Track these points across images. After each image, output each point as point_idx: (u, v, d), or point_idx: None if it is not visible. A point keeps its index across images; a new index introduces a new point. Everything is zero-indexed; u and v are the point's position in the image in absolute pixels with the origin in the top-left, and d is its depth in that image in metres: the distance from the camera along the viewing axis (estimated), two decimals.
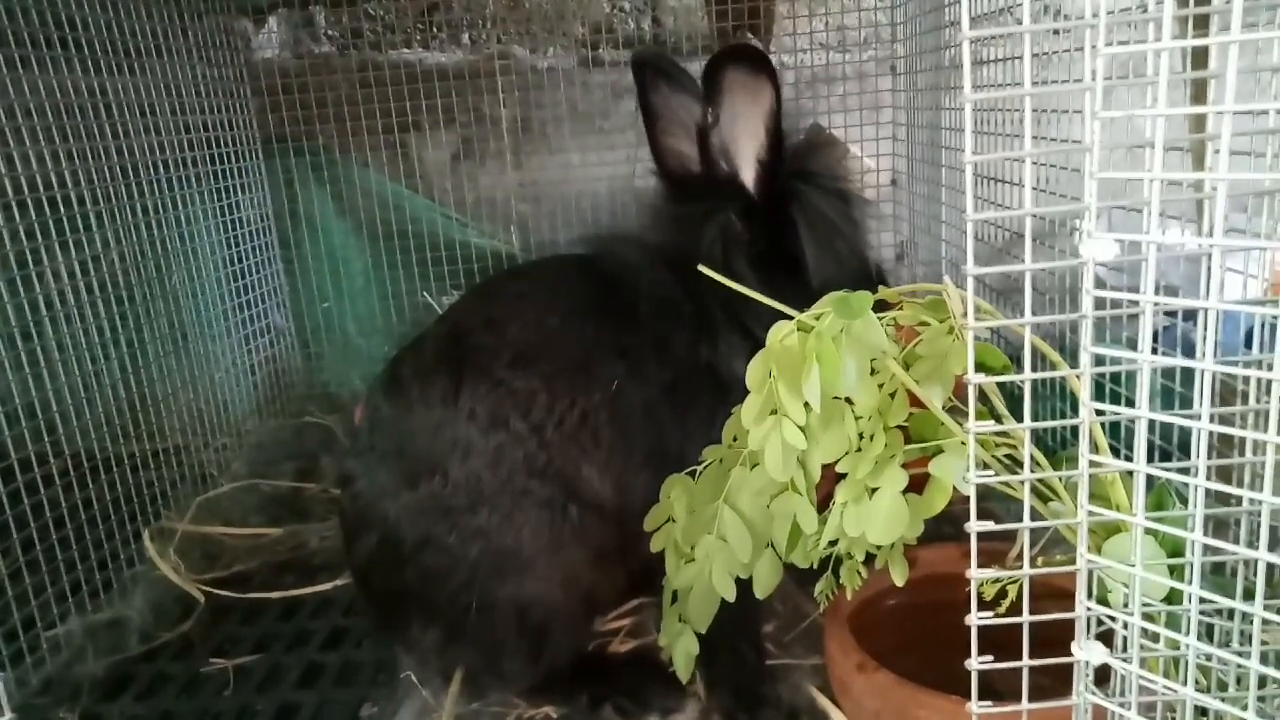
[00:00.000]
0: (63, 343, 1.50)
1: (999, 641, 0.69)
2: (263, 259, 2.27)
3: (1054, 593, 0.73)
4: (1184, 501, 0.72)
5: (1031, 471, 0.66)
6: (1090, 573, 0.67)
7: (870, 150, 2.34)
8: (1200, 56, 0.82)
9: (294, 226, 2.39)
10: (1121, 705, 0.67)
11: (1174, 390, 1.07)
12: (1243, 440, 0.73)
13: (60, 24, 1.52)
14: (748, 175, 1.15)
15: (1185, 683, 0.63)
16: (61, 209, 1.49)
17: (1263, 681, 0.61)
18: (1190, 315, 1.14)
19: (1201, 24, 0.85)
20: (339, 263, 2.42)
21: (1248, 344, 0.85)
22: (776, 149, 1.13)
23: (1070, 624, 0.68)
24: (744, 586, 0.97)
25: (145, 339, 1.76)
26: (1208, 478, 0.59)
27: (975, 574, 0.67)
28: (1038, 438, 1.31)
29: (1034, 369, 0.63)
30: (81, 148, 1.57)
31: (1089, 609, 0.67)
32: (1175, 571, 0.65)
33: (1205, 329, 0.56)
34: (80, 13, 1.57)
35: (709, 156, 1.15)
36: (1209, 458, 0.59)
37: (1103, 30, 0.55)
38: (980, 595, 0.69)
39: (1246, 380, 0.71)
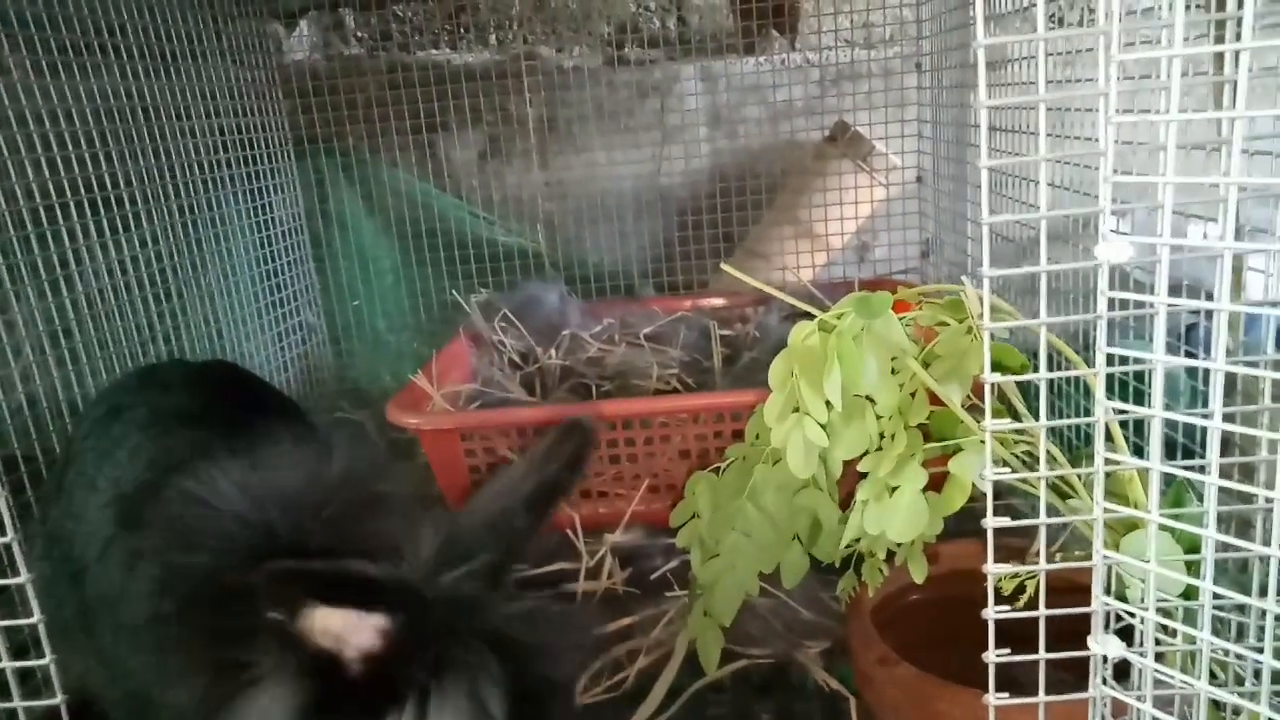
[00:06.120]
0: (103, 340, 1.55)
1: (1022, 636, 0.70)
2: (295, 258, 2.31)
3: (1077, 589, 0.74)
4: (1202, 499, 0.73)
5: (1049, 469, 0.67)
6: (1109, 569, 0.68)
7: (895, 147, 2.34)
8: (1223, 61, 0.82)
9: (325, 226, 2.43)
10: (1138, 699, 0.68)
11: (1198, 389, 1.07)
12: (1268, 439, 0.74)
13: (100, 30, 1.57)
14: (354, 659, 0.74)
15: (1200, 677, 0.64)
16: (101, 211, 1.54)
17: (1276, 677, 0.62)
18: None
19: (1224, 28, 0.85)
20: (369, 261, 2.46)
21: (1279, 343, 0.85)
22: (395, 662, 0.73)
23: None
24: None
25: (182, 337, 1.80)
26: (1230, 476, 0.60)
27: (992, 569, 0.68)
28: (1062, 437, 1.32)
29: (1057, 368, 0.65)
30: (121, 150, 1.61)
31: (1106, 604, 0.68)
32: (1194, 568, 0.65)
33: (1218, 329, 0.57)
34: (119, 18, 1.62)
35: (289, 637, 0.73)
36: (1232, 456, 0.60)
37: (1115, 36, 0.56)
38: (1000, 590, 0.70)
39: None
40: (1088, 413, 0.69)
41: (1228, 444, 0.63)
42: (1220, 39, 0.59)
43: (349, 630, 0.71)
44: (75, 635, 1.00)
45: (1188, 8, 0.54)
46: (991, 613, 0.68)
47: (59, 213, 1.43)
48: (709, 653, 1.09)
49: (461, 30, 2.56)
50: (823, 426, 0.82)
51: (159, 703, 0.88)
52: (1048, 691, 0.70)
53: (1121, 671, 0.71)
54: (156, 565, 0.88)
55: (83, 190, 1.48)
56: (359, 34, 2.58)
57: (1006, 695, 0.71)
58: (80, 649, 1.00)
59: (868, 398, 0.84)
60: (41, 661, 0.74)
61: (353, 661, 0.73)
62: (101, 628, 0.97)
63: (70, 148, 1.46)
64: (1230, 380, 0.64)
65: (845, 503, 0.93)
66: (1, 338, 1.30)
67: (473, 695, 0.72)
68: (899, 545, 0.96)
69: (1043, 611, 0.69)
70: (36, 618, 0.73)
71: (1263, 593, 0.63)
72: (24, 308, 1.35)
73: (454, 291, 2.36)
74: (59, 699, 0.74)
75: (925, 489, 0.84)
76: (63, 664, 0.76)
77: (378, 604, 0.69)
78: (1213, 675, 0.66)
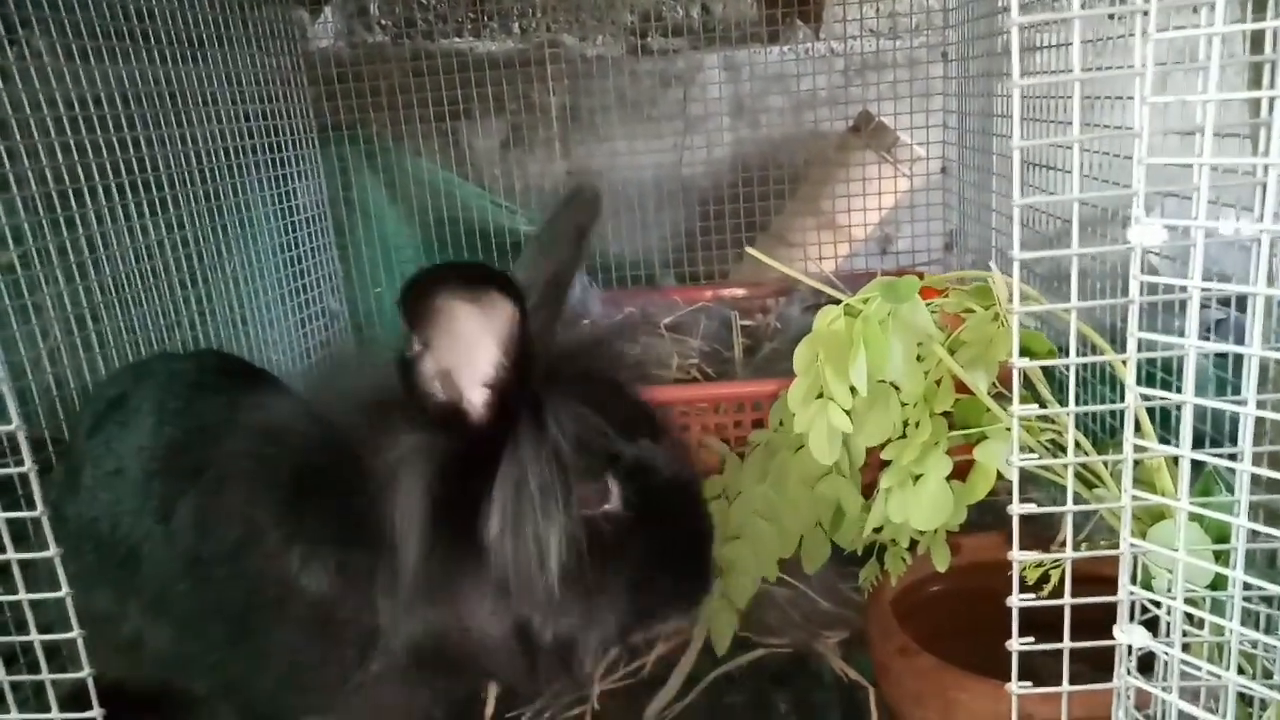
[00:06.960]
0: (129, 324, 1.56)
1: (1041, 628, 0.69)
2: (318, 245, 2.32)
3: (1098, 581, 0.74)
4: (1231, 490, 0.72)
5: (1076, 456, 0.66)
6: (1135, 558, 0.68)
7: (920, 137, 2.32)
8: (1260, 40, 0.80)
9: (348, 213, 2.44)
10: (1164, 689, 0.67)
11: (1227, 381, 1.06)
12: None
13: (129, 15, 1.58)
14: (475, 398, 0.85)
15: (1228, 668, 0.63)
16: (129, 195, 1.55)
17: None
18: (1245, 306, 1.12)
19: (1261, 8, 0.84)
20: (391, 248, 2.47)
21: None
22: (517, 369, 0.83)
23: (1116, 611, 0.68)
24: None
25: (205, 323, 1.81)
26: (1259, 464, 0.59)
27: (1017, 556, 0.67)
28: (1085, 430, 1.31)
29: (1082, 356, 0.64)
30: (147, 136, 1.62)
31: (1132, 593, 0.67)
32: (1221, 558, 0.65)
33: (1253, 315, 0.56)
34: (147, 4, 1.63)
35: (416, 387, 0.83)
36: (1262, 446, 0.59)
37: (1153, 15, 0.55)
38: (1023, 580, 0.70)
39: None
40: (1111, 404, 0.68)
41: (1257, 435, 0.62)
42: (1258, 18, 0.58)
43: (477, 335, 0.80)
44: (107, 625, 1.02)
45: None
46: (1016, 600, 0.68)
47: (87, 197, 1.44)
48: (721, 632, 1.08)
49: (485, 18, 2.56)
50: (847, 412, 0.81)
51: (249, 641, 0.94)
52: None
53: (1142, 664, 0.70)
54: (244, 488, 0.92)
55: (110, 175, 1.49)
56: (383, 21, 2.58)
57: (1029, 684, 0.70)
58: (111, 638, 1.02)
59: (892, 384, 0.84)
60: (69, 635, 0.74)
61: (473, 404, 0.83)
62: (175, 581, 0.99)
63: (99, 132, 1.47)
64: (1261, 369, 0.63)
65: (867, 491, 0.93)
66: (31, 319, 1.32)
67: (598, 382, 0.86)
68: (921, 534, 0.96)
69: (1068, 600, 0.68)
70: (64, 591, 0.74)
71: None
72: (51, 291, 1.36)
73: None
74: (86, 673, 0.75)
75: (949, 477, 0.84)
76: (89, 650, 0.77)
77: (503, 288, 0.78)
78: (1239, 668, 0.65)
